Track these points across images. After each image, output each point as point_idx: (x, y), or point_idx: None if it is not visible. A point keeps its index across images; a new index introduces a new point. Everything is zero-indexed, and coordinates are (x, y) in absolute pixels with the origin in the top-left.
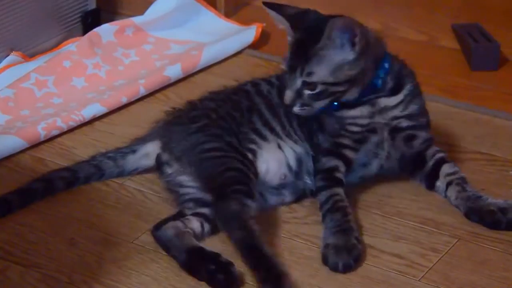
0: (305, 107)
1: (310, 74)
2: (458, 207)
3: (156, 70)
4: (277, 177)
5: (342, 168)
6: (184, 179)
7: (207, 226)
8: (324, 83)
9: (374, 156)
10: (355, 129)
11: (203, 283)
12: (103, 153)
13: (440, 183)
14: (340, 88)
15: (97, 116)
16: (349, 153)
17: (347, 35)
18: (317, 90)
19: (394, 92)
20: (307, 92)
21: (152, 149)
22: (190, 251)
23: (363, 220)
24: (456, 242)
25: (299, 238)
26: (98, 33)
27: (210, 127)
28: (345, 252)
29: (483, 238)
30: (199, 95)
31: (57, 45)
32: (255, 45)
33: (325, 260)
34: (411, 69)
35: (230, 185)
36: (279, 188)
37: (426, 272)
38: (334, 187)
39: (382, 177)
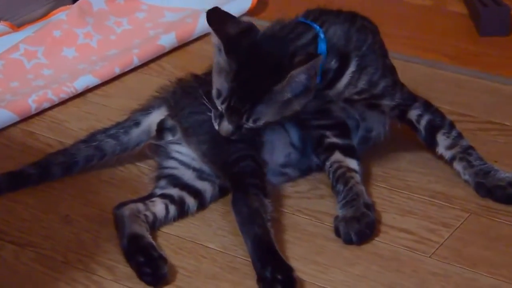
0: (243, 136)
1: (257, 120)
2: (467, 182)
3: (150, 39)
4: (281, 156)
5: (329, 133)
6: (180, 149)
7: (172, 209)
8: (269, 122)
9: (348, 117)
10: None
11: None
12: (102, 131)
13: (442, 153)
14: (284, 119)
15: (89, 87)
16: (323, 121)
17: (308, 78)
18: (259, 125)
19: (339, 72)
20: (247, 127)
21: (158, 118)
22: (131, 237)
23: (369, 195)
24: (468, 216)
25: (302, 213)
26: (89, 1)
27: None
28: (355, 221)
29: (496, 212)
30: (195, 65)
31: (46, 14)
32: (252, 12)
33: (337, 233)
34: (363, 26)
35: (246, 176)
36: (284, 167)
37: (437, 249)
38: (331, 156)
39: (389, 148)
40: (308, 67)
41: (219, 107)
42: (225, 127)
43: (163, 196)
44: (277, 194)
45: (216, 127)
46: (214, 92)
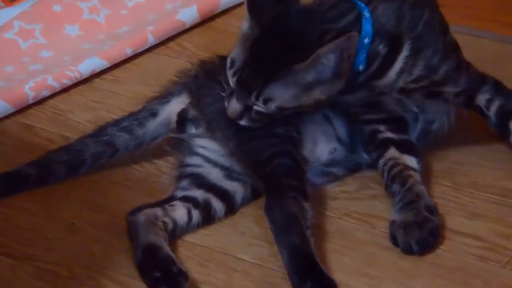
0: (253, 122)
1: (267, 100)
2: None
3: (167, 13)
4: (325, 152)
5: (383, 127)
6: (205, 144)
7: (196, 215)
8: (282, 108)
9: (405, 110)
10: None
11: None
12: (113, 123)
13: None
14: (303, 110)
15: (96, 71)
16: (375, 115)
17: (338, 61)
18: (270, 112)
19: (390, 58)
20: (258, 109)
21: (178, 107)
22: (146, 248)
23: (431, 195)
24: None
25: (350, 217)
26: None
27: None
28: (416, 227)
29: None
30: (221, 44)
31: None
32: None
33: (394, 241)
34: (417, 0)
35: (282, 176)
36: (328, 165)
37: None
38: (386, 152)
39: (453, 140)
40: (339, 45)
41: (230, 81)
42: (233, 106)
43: (185, 199)
44: (319, 194)
45: (226, 106)
46: (228, 61)
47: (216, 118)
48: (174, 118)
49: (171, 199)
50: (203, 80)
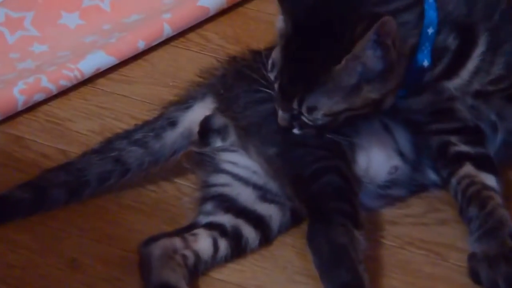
0: (304, 130)
1: (312, 109)
2: None
3: None
4: (383, 171)
5: (456, 138)
6: (235, 159)
7: (223, 245)
8: (331, 115)
9: (481, 119)
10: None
11: None
12: (123, 135)
13: None
14: (358, 112)
15: (101, 70)
16: (445, 125)
17: (380, 52)
18: (318, 122)
19: (462, 54)
20: (304, 120)
21: (201, 114)
22: None
23: None
24: None
25: (414, 246)
26: None
27: None
28: (503, 261)
29: None
30: (253, 35)
31: None
32: None
33: (475, 277)
34: None
35: (330, 198)
36: (386, 187)
37: None
38: (460, 169)
39: None
40: (374, 37)
41: (270, 75)
42: (282, 115)
43: (209, 226)
44: (375, 219)
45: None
46: (269, 63)
47: (256, 123)
48: (196, 128)
49: (193, 226)
50: (233, 80)
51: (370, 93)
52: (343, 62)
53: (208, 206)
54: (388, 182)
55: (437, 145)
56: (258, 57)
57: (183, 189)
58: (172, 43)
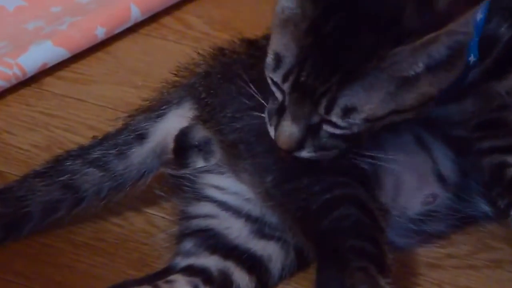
0: (319, 152)
1: (349, 111)
2: None
3: None
4: (417, 200)
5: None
6: (221, 182)
7: None
8: (374, 120)
9: None
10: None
11: None
12: (77, 153)
13: None
14: (399, 118)
15: (49, 66)
16: (500, 141)
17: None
18: (353, 130)
19: None
20: (330, 130)
21: (177, 125)
22: None
23: None
24: None
25: None
26: None
27: None
28: None
29: None
30: (246, 20)
31: None
32: None
33: None
34: None
35: (346, 235)
36: (421, 221)
37: None
38: None
39: None
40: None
41: (276, 90)
42: (287, 130)
43: (190, 270)
44: (408, 261)
45: (271, 132)
46: (269, 59)
47: (247, 140)
48: (171, 143)
49: (168, 271)
50: (219, 81)
51: (429, 86)
52: (412, 42)
53: (188, 245)
54: (424, 214)
55: (490, 168)
56: (253, 48)
57: (156, 221)
58: (141, 31)
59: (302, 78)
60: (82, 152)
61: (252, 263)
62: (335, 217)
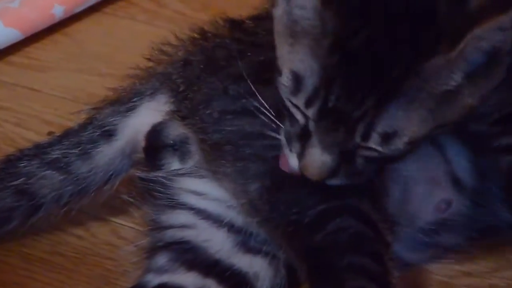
0: (352, 177)
1: (390, 136)
2: None
3: None
4: (429, 208)
5: None
6: (200, 187)
7: None
8: (415, 142)
9: None
10: None
11: None
12: (33, 153)
13: None
14: (441, 131)
15: None
16: None
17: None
18: (394, 154)
19: None
20: (366, 155)
21: (149, 120)
22: None
23: None
24: None
25: None
26: None
27: None
28: None
29: None
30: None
31: None
32: None
33: None
34: None
35: (343, 250)
36: (433, 232)
37: None
38: None
39: None
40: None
41: (299, 114)
42: (316, 159)
43: None
44: (419, 279)
45: (292, 160)
46: (285, 79)
47: (233, 141)
48: (142, 140)
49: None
50: (203, 72)
51: (469, 97)
52: (446, 54)
53: (161, 260)
54: (437, 224)
55: (509, 168)
56: (238, 32)
57: (122, 232)
58: (106, 10)
59: (331, 103)
60: (38, 151)
61: (236, 282)
62: (330, 230)
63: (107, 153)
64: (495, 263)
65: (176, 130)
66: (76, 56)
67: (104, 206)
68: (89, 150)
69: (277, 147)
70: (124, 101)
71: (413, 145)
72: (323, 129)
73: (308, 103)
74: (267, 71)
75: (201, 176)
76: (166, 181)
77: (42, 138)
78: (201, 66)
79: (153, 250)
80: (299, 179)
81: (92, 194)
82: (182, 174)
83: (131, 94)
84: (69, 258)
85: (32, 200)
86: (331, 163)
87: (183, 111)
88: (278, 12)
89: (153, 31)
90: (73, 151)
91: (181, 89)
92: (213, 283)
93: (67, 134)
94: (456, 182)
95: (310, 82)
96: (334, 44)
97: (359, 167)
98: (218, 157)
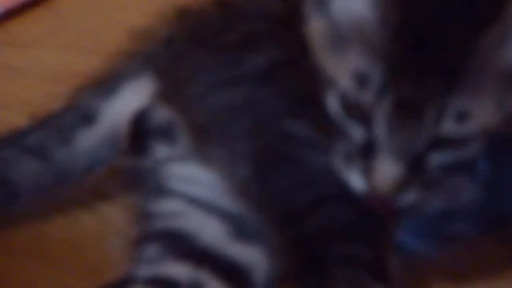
0: (424, 193)
1: (463, 116)
2: None
3: None
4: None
5: None
6: (189, 173)
7: None
8: (487, 129)
9: None
10: None
11: None
12: (10, 138)
13: None
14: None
15: None
16: None
17: None
18: (464, 154)
19: None
20: (437, 159)
21: (134, 104)
22: None
23: None
24: None
25: None
26: None
27: None
28: None
29: None
30: None
31: None
32: None
33: None
34: None
35: (332, 237)
36: (440, 219)
37: None
38: None
39: None
40: None
41: (358, 122)
42: (387, 172)
43: (152, 282)
44: (423, 270)
45: (356, 183)
46: (345, 83)
47: (222, 122)
48: (126, 125)
49: (124, 282)
50: (187, 45)
51: None
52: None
53: (150, 250)
54: (444, 211)
55: None
56: (227, 10)
57: (110, 222)
58: None
59: (401, 92)
60: (16, 136)
61: (230, 273)
62: (320, 216)
63: (88, 139)
64: (507, 254)
65: (162, 113)
66: (60, 32)
67: (91, 194)
68: (70, 135)
69: (267, 120)
70: (105, 83)
71: (485, 137)
72: (392, 128)
73: (380, 97)
74: (256, 42)
75: (191, 161)
76: (153, 168)
77: (22, 120)
78: (186, 40)
79: (141, 240)
80: (293, 163)
81: (75, 181)
82: (171, 160)
83: (115, 75)
84: (50, 249)
85: (9, 188)
86: (402, 171)
87: (169, 92)
88: (316, 28)
89: (143, 4)
90: (52, 136)
91: (167, 68)
92: (205, 274)
93: (47, 117)
94: (465, 164)
95: (376, 76)
96: (396, 32)
97: (430, 176)
98: (205, 138)
